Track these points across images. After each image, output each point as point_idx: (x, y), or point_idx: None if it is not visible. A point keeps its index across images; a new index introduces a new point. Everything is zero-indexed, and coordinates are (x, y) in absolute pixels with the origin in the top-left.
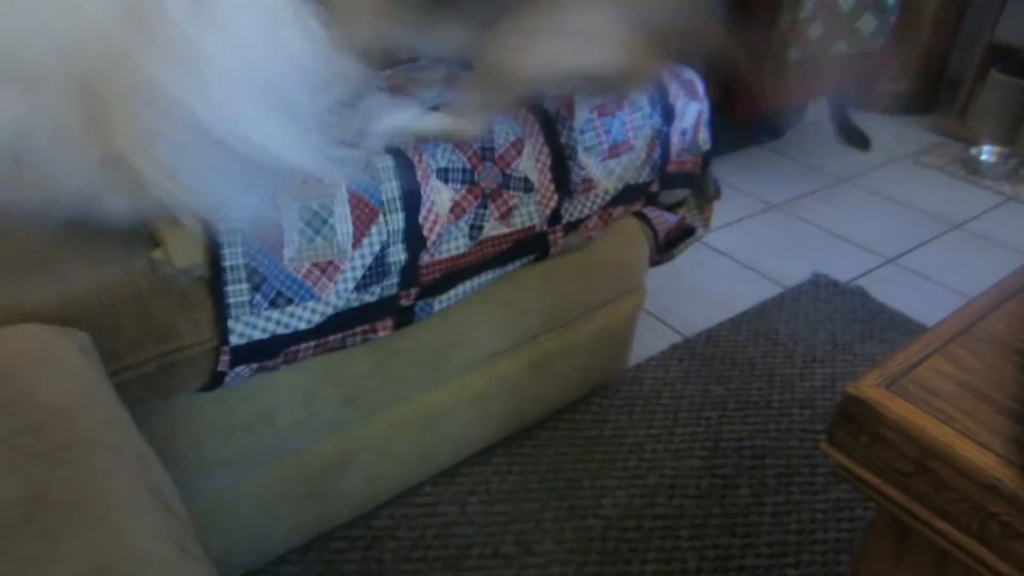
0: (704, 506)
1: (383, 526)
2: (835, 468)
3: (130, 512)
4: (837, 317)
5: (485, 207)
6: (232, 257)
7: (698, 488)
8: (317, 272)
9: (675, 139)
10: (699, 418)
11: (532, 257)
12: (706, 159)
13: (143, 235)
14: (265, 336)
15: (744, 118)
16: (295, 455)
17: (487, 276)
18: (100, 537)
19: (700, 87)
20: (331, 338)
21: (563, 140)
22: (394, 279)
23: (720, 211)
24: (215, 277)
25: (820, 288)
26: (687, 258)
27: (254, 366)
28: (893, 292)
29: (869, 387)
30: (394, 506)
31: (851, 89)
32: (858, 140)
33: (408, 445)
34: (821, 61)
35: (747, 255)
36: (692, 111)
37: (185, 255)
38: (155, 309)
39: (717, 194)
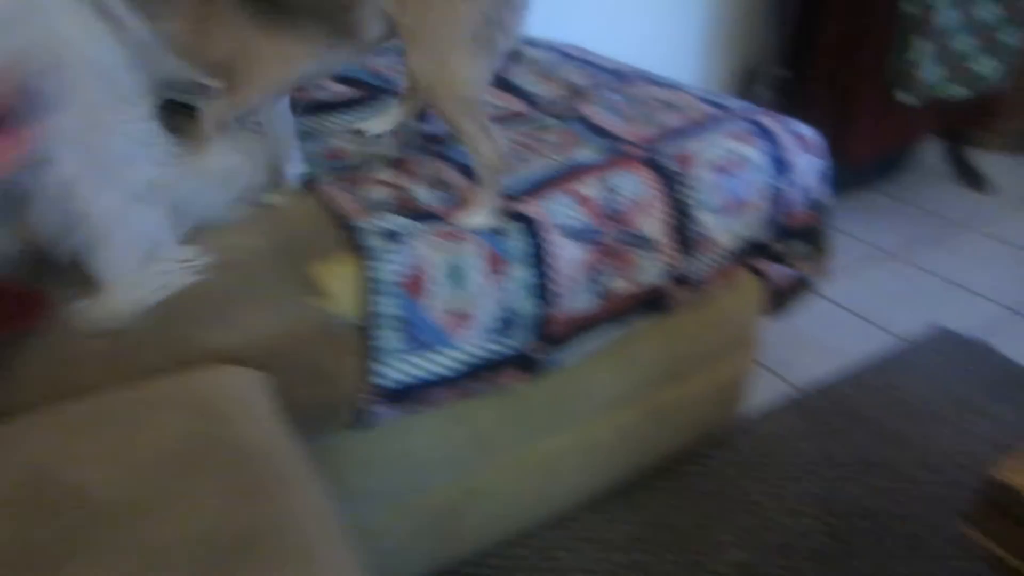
0: (822, 571)
1: (499, 566)
2: (972, 546)
3: (326, 544)
4: (961, 373)
5: (609, 264)
6: (383, 306)
7: (815, 551)
8: (455, 322)
9: (793, 195)
10: (815, 476)
11: (653, 313)
12: (823, 212)
13: (305, 282)
14: (408, 380)
15: (856, 161)
16: (425, 491)
17: (610, 331)
18: (307, 568)
19: (817, 142)
20: (465, 384)
21: (682, 198)
22: (524, 330)
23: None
24: (367, 324)
25: (941, 341)
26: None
27: (397, 408)
28: (1021, 347)
29: (1015, 472)
30: (510, 547)
31: (967, 130)
32: (976, 181)
33: (527, 488)
34: (936, 103)
35: (862, 305)
36: (808, 165)
37: (345, 303)
38: (314, 352)
39: (831, 246)
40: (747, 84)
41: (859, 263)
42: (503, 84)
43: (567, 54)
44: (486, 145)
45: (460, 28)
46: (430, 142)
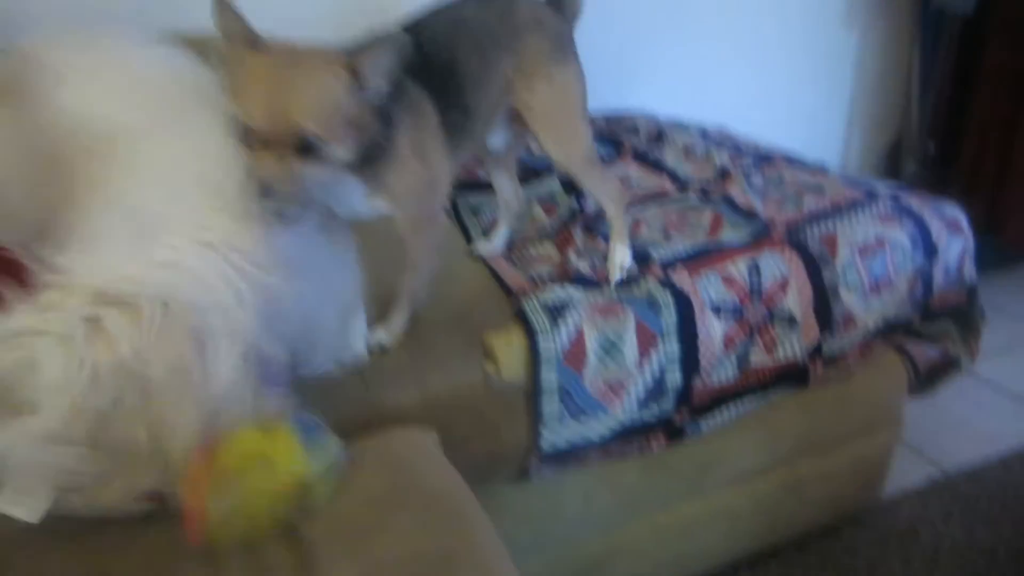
0: None
1: None
2: None
3: (506, 567)
4: None
5: (752, 340)
6: (547, 376)
7: None
8: (609, 390)
9: (938, 275)
10: (963, 564)
11: (793, 387)
12: (972, 292)
13: (480, 350)
14: (566, 443)
15: (1012, 238)
16: (571, 545)
17: (751, 403)
18: None
19: (964, 222)
20: (614, 448)
21: (826, 279)
22: (670, 399)
23: (987, 336)
24: (533, 390)
25: None
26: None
27: (554, 467)
28: None
29: None
30: None
31: None
32: None
33: (664, 550)
34: None
35: (1019, 387)
36: (956, 247)
37: (513, 370)
38: (487, 413)
39: (983, 324)
40: (893, 160)
41: (1016, 343)
42: (653, 164)
43: (713, 135)
44: (610, 184)
45: (579, 105)
46: (575, 218)
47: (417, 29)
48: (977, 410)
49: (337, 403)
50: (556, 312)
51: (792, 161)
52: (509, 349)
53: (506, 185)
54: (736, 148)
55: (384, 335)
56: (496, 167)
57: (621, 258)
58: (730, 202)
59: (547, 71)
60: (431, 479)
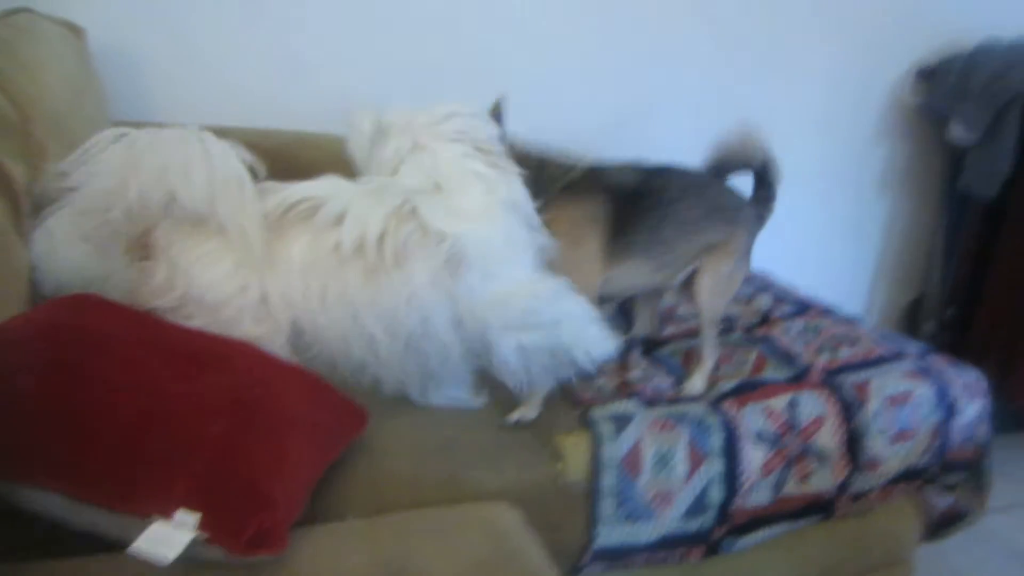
0: None
1: None
2: None
3: None
4: None
5: (788, 469)
6: (608, 479)
7: None
8: (658, 499)
9: (956, 432)
10: None
11: (820, 517)
12: (985, 450)
13: (550, 449)
14: (617, 543)
15: (1020, 404)
16: None
17: (782, 527)
18: None
19: (983, 387)
20: (658, 554)
21: (858, 421)
22: (711, 515)
23: (993, 492)
24: (593, 491)
25: None
26: (955, 537)
27: (602, 565)
28: None
29: None
30: None
31: None
32: None
33: None
34: None
35: (1020, 543)
36: (974, 408)
37: (579, 470)
38: (552, 507)
39: (992, 481)
40: (912, 318)
41: (1017, 503)
42: None
43: (756, 281)
44: (716, 336)
45: (735, 290)
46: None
47: (652, 170)
48: (979, 562)
49: (426, 474)
50: (620, 422)
51: (828, 311)
52: (577, 451)
53: (647, 312)
54: (778, 295)
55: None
56: (648, 299)
57: (698, 385)
58: (771, 344)
59: (729, 265)
60: (530, 551)
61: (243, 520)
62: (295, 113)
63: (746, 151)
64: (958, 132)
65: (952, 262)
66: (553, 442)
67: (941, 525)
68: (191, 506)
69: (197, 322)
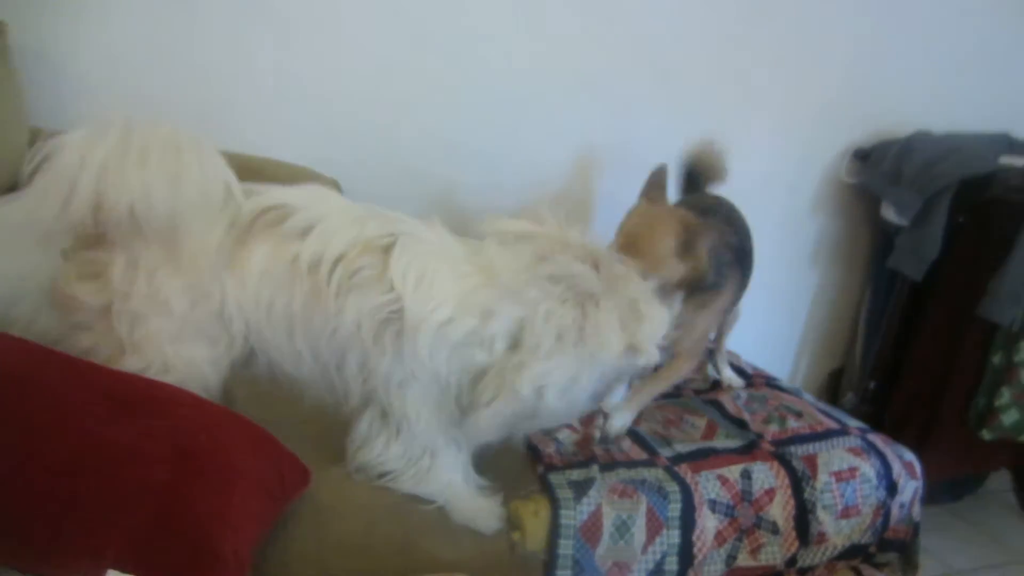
0: None
1: None
2: None
3: None
4: None
5: (741, 540)
6: (565, 548)
7: None
8: (616, 569)
9: (895, 510)
10: None
11: None
12: (916, 529)
13: (508, 517)
14: None
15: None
16: None
17: None
18: None
19: (918, 467)
20: None
21: (807, 496)
22: None
23: None
24: (550, 560)
25: None
26: None
27: None
28: None
29: None
30: None
31: None
32: None
33: None
34: (1012, 443)
35: None
36: (911, 488)
37: (537, 540)
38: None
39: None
40: (835, 388)
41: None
42: None
43: None
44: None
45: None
46: None
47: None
48: None
49: (377, 541)
50: (579, 487)
51: (771, 381)
52: (536, 520)
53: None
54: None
55: (619, 421)
56: None
57: (621, 421)
58: (721, 410)
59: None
60: None
61: None
62: (233, 134)
63: (713, 162)
64: (890, 214)
65: (876, 337)
66: (510, 509)
67: None
68: (126, 567)
69: (151, 329)
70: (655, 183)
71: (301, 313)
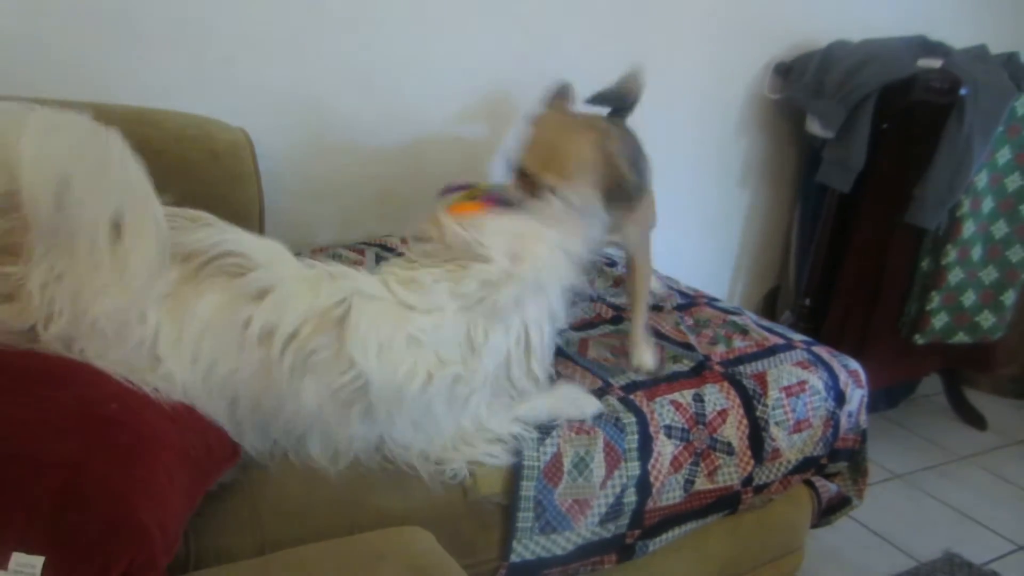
0: None
1: None
2: None
3: None
4: None
5: (697, 464)
6: (527, 489)
7: None
8: (576, 507)
9: (843, 420)
10: None
11: (726, 512)
12: (864, 437)
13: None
14: (533, 556)
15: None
16: None
17: (692, 525)
18: None
19: (863, 376)
20: (572, 565)
21: (758, 414)
22: (625, 519)
23: None
24: (512, 502)
25: (954, 568)
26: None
27: None
28: None
29: None
30: None
31: (967, 372)
32: (975, 419)
33: None
34: (941, 346)
35: (877, 524)
36: (857, 396)
37: (489, 484)
38: (463, 528)
39: (868, 469)
40: (771, 307)
41: (872, 483)
42: (592, 296)
43: None
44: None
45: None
46: None
47: None
48: (845, 543)
49: (318, 501)
50: (544, 429)
51: (712, 302)
52: (486, 465)
53: None
54: (665, 286)
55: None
56: None
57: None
58: (666, 335)
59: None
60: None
61: (107, 558)
62: (125, 84)
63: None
64: (815, 127)
65: (808, 253)
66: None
67: (827, 512)
68: (32, 547)
69: (88, 355)
70: (561, 95)
71: (248, 384)
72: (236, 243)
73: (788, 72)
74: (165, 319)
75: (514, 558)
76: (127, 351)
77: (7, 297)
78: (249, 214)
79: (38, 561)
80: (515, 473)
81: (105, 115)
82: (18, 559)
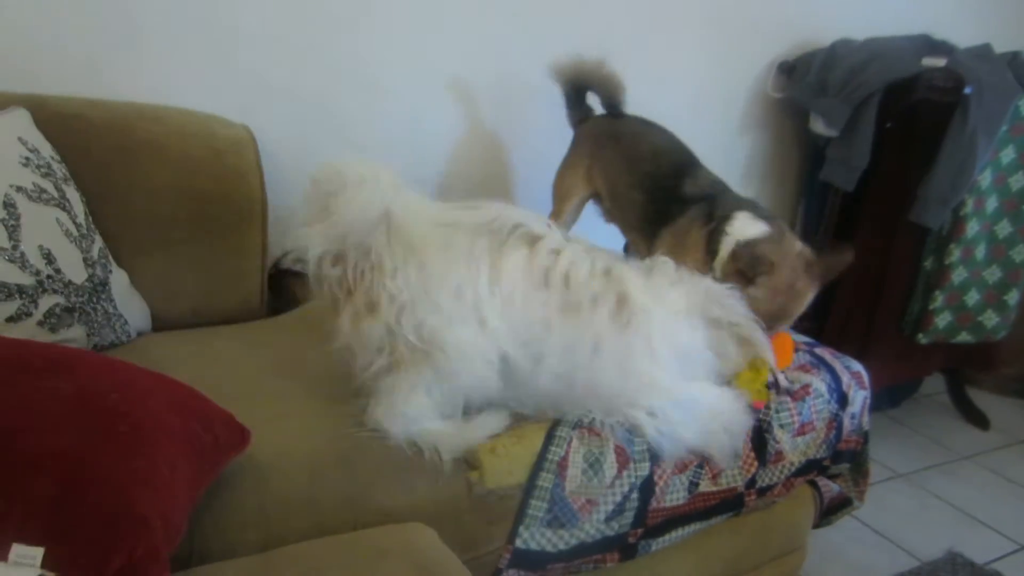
0: None
1: None
2: None
3: None
4: None
5: (701, 467)
6: (545, 480)
7: None
8: (584, 505)
9: (846, 422)
10: None
11: (729, 513)
12: (866, 438)
13: (464, 460)
14: (537, 546)
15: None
16: None
17: (695, 526)
18: None
19: (866, 377)
20: (575, 561)
21: (762, 416)
22: (629, 518)
23: None
24: (527, 489)
25: (957, 567)
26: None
27: (521, 573)
28: None
29: None
30: None
31: (970, 371)
32: (977, 419)
33: None
34: (944, 345)
35: (880, 523)
36: (860, 398)
37: (495, 477)
38: (466, 522)
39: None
40: None
41: (875, 482)
42: None
43: None
44: None
45: None
46: None
47: None
48: (847, 542)
49: (323, 497)
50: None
51: None
52: (493, 457)
53: None
54: None
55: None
56: None
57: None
58: None
59: None
60: (451, 570)
61: (107, 549)
62: (129, 83)
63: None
64: (818, 125)
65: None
66: (467, 453)
67: (829, 512)
68: (32, 538)
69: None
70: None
71: (557, 316)
72: (520, 217)
73: (792, 71)
74: (484, 283)
75: (519, 544)
76: (465, 311)
77: (369, 307)
78: (251, 211)
79: (38, 552)
80: (537, 463)
81: (108, 111)
82: (18, 550)
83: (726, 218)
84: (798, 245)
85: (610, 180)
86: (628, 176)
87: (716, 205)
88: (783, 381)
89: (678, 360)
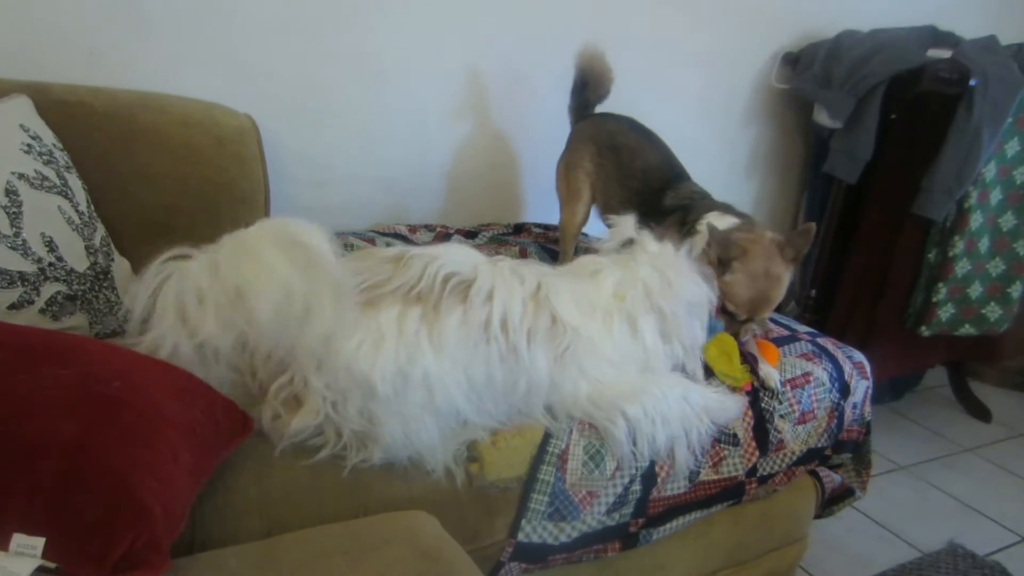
0: None
1: None
2: None
3: None
4: None
5: (702, 456)
6: (547, 473)
7: None
8: (585, 498)
9: (848, 411)
10: None
11: (731, 502)
12: (868, 428)
13: (466, 452)
14: (538, 539)
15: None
16: None
17: (696, 515)
18: None
19: (868, 367)
20: (577, 552)
21: (764, 405)
22: (630, 508)
23: None
24: (527, 484)
25: (958, 559)
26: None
27: (523, 564)
28: None
29: None
30: None
31: (972, 364)
32: (979, 411)
33: None
34: (947, 338)
35: (881, 515)
36: (861, 388)
37: (495, 469)
38: (468, 514)
39: (871, 460)
40: None
41: (877, 474)
42: None
43: None
44: None
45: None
46: None
47: None
48: (848, 533)
49: (325, 486)
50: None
51: None
52: (494, 450)
53: None
54: None
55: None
56: None
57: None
58: None
59: None
60: (450, 555)
61: (108, 538)
62: (132, 71)
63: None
64: (823, 117)
65: (814, 244)
66: (469, 446)
67: (831, 502)
68: (33, 528)
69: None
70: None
71: (499, 367)
72: (444, 262)
73: (796, 62)
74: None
75: (521, 537)
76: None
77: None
78: (254, 200)
79: (39, 542)
80: (538, 456)
81: (110, 99)
82: (19, 540)
83: (698, 219)
84: (769, 233)
85: (606, 193)
86: (620, 191)
87: (691, 211)
88: (764, 372)
89: (625, 362)
